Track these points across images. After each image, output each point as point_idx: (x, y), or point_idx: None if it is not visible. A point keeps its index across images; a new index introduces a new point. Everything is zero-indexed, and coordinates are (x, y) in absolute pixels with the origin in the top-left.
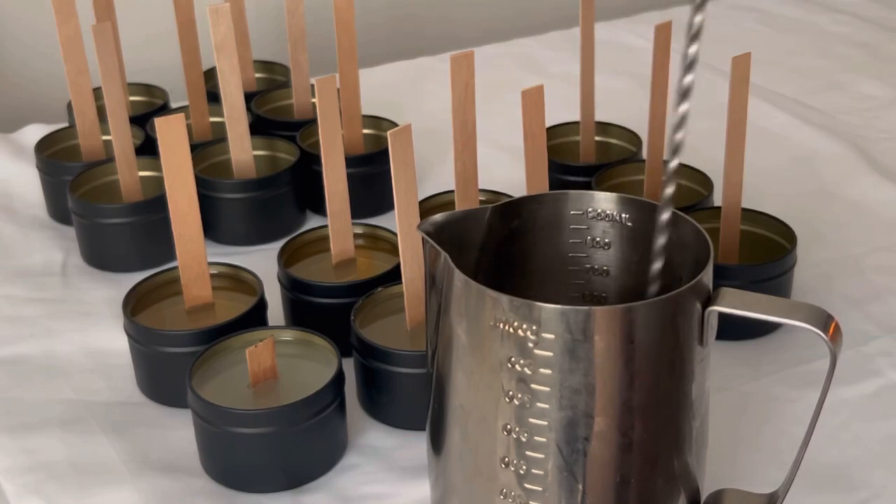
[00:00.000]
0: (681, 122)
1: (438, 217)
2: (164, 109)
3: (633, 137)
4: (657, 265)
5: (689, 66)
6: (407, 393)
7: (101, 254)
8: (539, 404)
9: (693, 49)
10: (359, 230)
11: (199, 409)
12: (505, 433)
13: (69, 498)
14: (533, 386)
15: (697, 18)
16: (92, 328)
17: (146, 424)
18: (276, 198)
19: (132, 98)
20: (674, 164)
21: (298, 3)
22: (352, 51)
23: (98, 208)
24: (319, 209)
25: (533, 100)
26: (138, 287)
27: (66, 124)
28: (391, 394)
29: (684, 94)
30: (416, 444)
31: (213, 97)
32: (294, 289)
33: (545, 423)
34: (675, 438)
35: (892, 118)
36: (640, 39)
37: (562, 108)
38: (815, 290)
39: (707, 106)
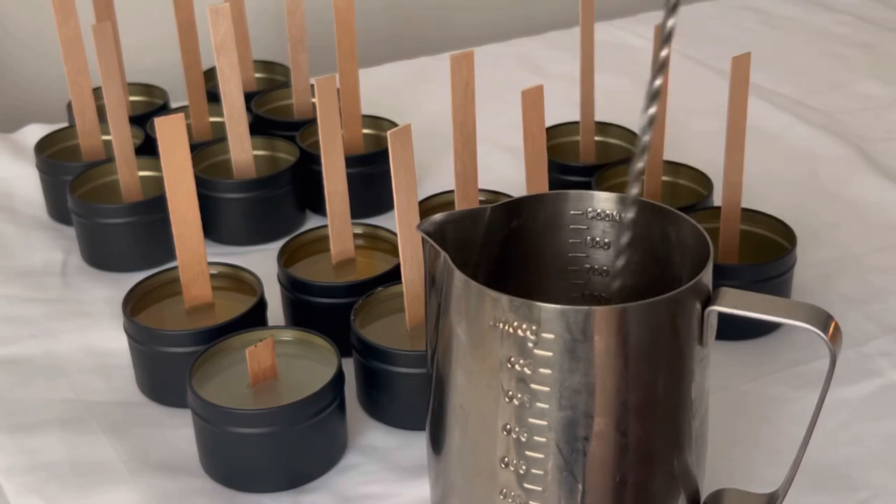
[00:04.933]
0: (648, 125)
1: (438, 217)
2: (164, 109)
3: (633, 137)
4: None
5: (661, 67)
6: (407, 393)
7: (101, 254)
8: (539, 404)
9: (664, 52)
10: (359, 230)
11: (199, 409)
12: (505, 433)
13: (69, 498)
14: (533, 386)
15: (670, 22)
16: (92, 328)
17: (146, 424)
18: (276, 198)
19: (132, 98)
20: (640, 164)
21: (298, 4)
22: (352, 51)
23: (98, 208)
24: (319, 209)
25: (533, 100)
26: (138, 287)
27: (66, 124)
28: (391, 394)
29: (654, 96)
30: (416, 444)
31: (213, 97)
32: (294, 289)
33: (545, 422)
34: (674, 438)
35: (892, 118)
36: (640, 39)
37: (562, 108)
38: (815, 290)
39: (707, 106)
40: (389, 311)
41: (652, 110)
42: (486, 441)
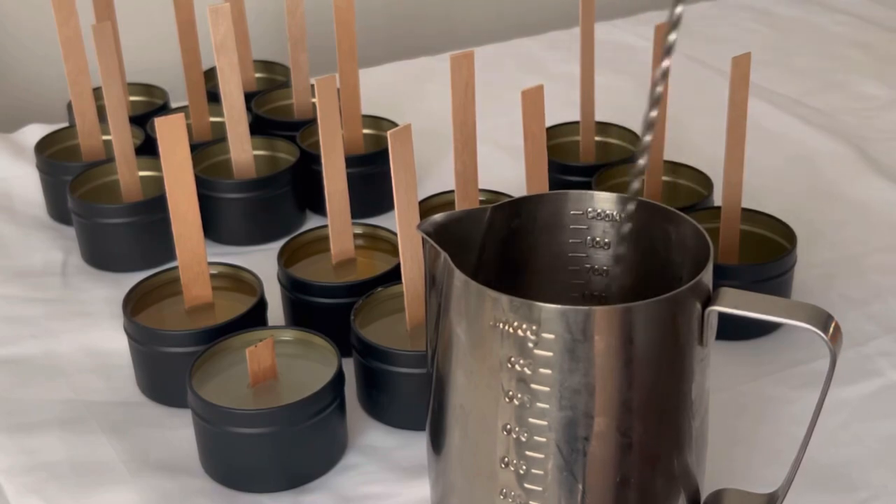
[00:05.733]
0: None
1: (438, 217)
2: (164, 109)
3: (633, 137)
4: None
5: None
6: (407, 393)
7: (101, 254)
8: (539, 404)
9: (672, 37)
10: (359, 230)
11: (199, 409)
12: (505, 433)
13: (69, 498)
14: (533, 386)
15: (678, 9)
16: (92, 328)
17: (146, 424)
18: (276, 198)
19: (132, 98)
20: (647, 138)
21: (298, 4)
22: (352, 51)
23: (98, 208)
24: (319, 209)
25: (533, 100)
26: (138, 287)
27: (66, 124)
28: (391, 394)
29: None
30: (416, 444)
31: (213, 97)
32: (294, 289)
33: (545, 423)
34: (674, 438)
35: (892, 118)
36: (640, 39)
37: (562, 108)
38: (815, 290)
39: (707, 106)
40: (389, 311)
41: (653, 113)
42: (486, 441)
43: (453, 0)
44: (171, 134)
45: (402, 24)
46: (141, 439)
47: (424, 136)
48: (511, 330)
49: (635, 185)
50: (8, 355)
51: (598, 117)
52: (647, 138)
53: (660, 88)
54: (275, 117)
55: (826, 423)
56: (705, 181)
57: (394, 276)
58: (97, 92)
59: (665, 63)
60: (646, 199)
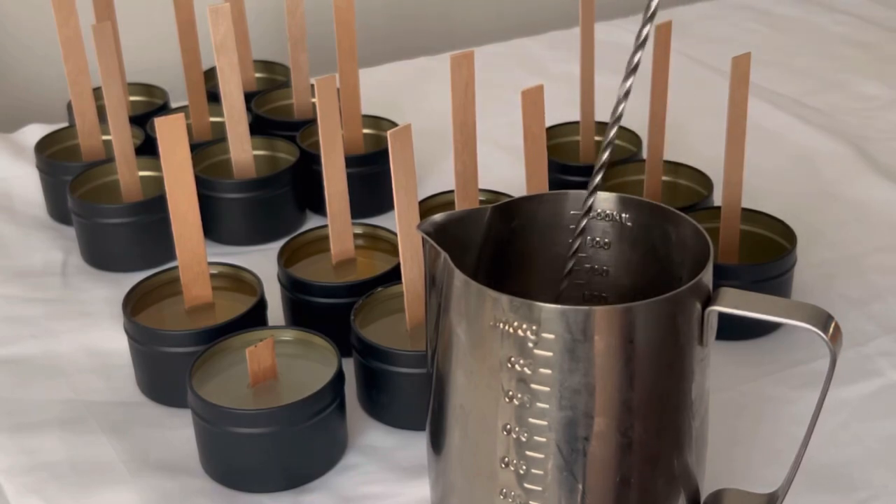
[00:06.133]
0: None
1: (438, 217)
2: (164, 109)
3: (633, 137)
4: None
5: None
6: (407, 393)
7: (101, 254)
8: (539, 404)
9: (639, 56)
10: (359, 230)
11: (199, 409)
12: (505, 433)
13: (69, 498)
14: (533, 386)
15: (646, 29)
16: (92, 328)
17: (146, 424)
18: (276, 198)
19: (132, 98)
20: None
21: (298, 4)
22: (352, 51)
23: (98, 208)
24: (319, 209)
25: (533, 100)
26: (138, 287)
27: (66, 124)
28: (391, 394)
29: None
30: (416, 444)
31: (213, 97)
32: (294, 289)
33: (545, 423)
34: (674, 438)
35: (892, 118)
36: None
37: (562, 108)
38: (815, 290)
39: (707, 106)
40: (389, 311)
41: (621, 108)
42: (486, 441)
43: (453, 0)
44: (171, 134)
45: (402, 24)
46: (141, 439)
47: (424, 136)
48: (511, 330)
49: (610, 133)
50: (8, 355)
51: (598, 117)
52: (613, 133)
53: (629, 82)
54: (275, 117)
55: (826, 423)
56: (705, 181)
57: (394, 276)
58: (97, 92)
59: (636, 57)
60: (646, 200)
